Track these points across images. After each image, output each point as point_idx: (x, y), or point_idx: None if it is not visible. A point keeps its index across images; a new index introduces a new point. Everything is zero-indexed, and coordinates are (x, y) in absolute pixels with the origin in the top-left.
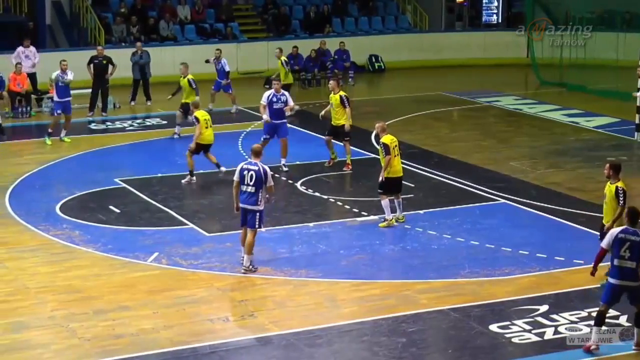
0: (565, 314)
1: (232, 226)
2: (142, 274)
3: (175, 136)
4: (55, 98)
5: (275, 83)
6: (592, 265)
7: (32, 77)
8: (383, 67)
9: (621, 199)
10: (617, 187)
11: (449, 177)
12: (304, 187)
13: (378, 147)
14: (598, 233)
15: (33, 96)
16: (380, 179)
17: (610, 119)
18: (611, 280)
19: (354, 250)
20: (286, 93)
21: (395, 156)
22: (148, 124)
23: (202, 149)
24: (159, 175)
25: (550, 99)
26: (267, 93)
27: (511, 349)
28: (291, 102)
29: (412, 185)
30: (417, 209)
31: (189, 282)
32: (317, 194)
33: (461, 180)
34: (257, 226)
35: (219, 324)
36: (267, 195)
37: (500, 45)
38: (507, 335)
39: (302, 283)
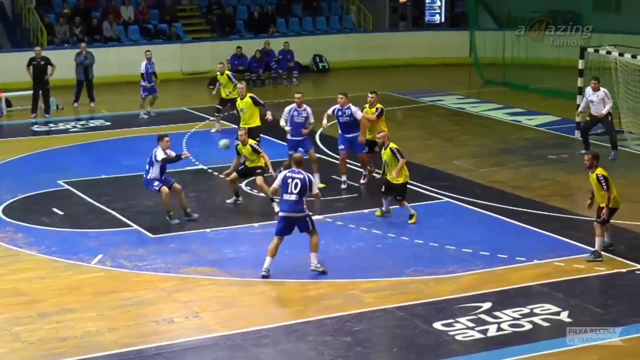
0: (508, 311)
1: (177, 227)
2: (87, 276)
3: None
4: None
5: (340, 97)
6: None
7: None
8: (327, 67)
9: (604, 184)
10: (597, 175)
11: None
12: (249, 188)
13: (385, 156)
14: (595, 217)
15: None
16: (389, 177)
17: (551, 118)
18: None
19: (299, 250)
20: (352, 107)
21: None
22: (91, 125)
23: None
24: (103, 176)
25: (493, 98)
26: (332, 107)
27: (455, 347)
28: (359, 114)
29: (357, 185)
30: (361, 209)
31: (134, 283)
32: (262, 194)
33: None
34: (312, 228)
35: (165, 325)
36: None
37: (444, 45)
38: (451, 333)
39: (248, 283)
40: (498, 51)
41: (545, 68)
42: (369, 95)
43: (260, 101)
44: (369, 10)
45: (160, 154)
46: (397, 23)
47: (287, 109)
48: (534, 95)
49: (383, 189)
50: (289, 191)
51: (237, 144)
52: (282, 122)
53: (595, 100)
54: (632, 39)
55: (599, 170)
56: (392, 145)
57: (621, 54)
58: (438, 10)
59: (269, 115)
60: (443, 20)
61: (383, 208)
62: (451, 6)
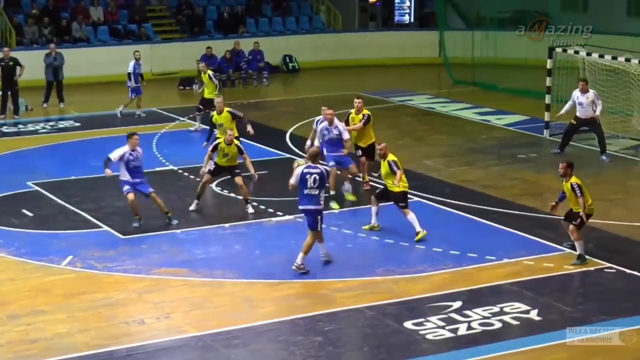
0: (478, 310)
1: (147, 228)
2: (57, 277)
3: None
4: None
5: (325, 109)
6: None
7: None
8: (297, 67)
9: (578, 193)
10: (571, 184)
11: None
12: (220, 188)
13: (383, 168)
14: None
15: None
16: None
17: (520, 117)
18: None
19: (270, 250)
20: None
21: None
22: (61, 126)
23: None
24: (73, 177)
25: (462, 97)
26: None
27: (426, 346)
28: (346, 135)
29: (328, 185)
30: (332, 209)
31: (104, 284)
32: (232, 194)
33: (376, 179)
34: (317, 228)
35: (135, 326)
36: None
37: (414, 45)
38: (422, 332)
39: (218, 284)
40: (467, 51)
41: (514, 68)
42: (356, 100)
43: (239, 114)
44: (338, 10)
45: (114, 154)
46: (367, 23)
47: (318, 127)
48: (503, 95)
49: (377, 193)
50: (309, 186)
51: (219, 142)
52: (314, 141)
53: (585, 102)
54: (600, 39)
55: (574, 179)
56: (390, 157)
57: (589, 54)
58: (407, 11)
59: (250, 129)
60: (412, 20)
61: (372, 222)
62: (420, 6)
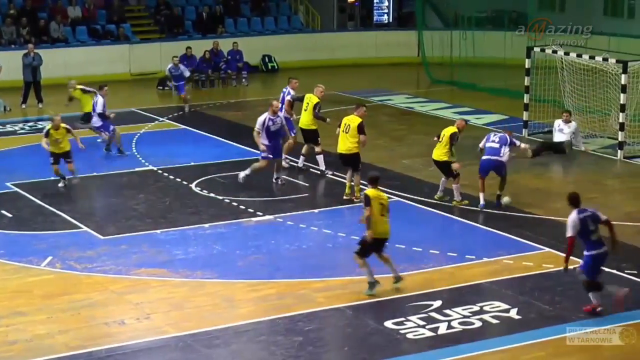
0: (458, 309)
1: (127, 228)
2: (36, 278)
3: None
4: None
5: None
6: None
7: None
8: (276, 67)
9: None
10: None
11: (343, 175)
12: (199, 188)
13: None
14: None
15: None
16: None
17: (499, 116)
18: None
19: (250, 250)
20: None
21: None
22: (40, 126)
23: None
24: (52, 178)
25: (441, 97)
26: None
27: (406, 345)
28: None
29: (307, 185)
30: (312, 208)
31: (84, 285)
32: (212, 194)
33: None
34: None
35: (115, 327)
36: None
37: (392, 45)
38: (402, 332)
39: (198, 284)
40: (446, 50)
41: (493, 67)
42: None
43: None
44: (317, 10)
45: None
46: (346, 23)
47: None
48: (481, 95)
49: None
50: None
51: (48, 128)
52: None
53: (566, 130)
54: (577, 38)
55: (368, 191)
56: None
57: (567, 53)
58: (386, 10)
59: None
60: (391, 20)
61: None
62: (399, 6)
